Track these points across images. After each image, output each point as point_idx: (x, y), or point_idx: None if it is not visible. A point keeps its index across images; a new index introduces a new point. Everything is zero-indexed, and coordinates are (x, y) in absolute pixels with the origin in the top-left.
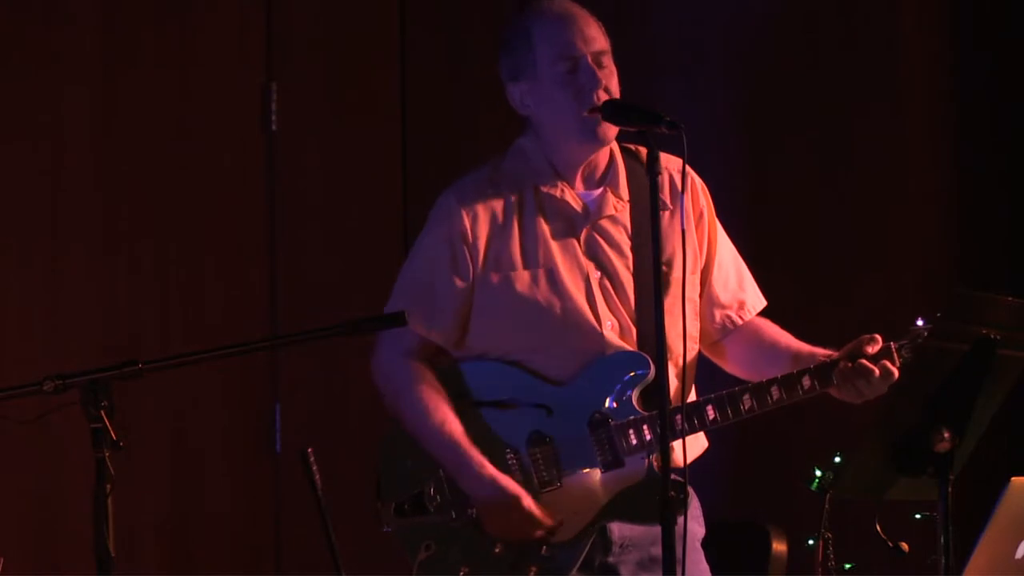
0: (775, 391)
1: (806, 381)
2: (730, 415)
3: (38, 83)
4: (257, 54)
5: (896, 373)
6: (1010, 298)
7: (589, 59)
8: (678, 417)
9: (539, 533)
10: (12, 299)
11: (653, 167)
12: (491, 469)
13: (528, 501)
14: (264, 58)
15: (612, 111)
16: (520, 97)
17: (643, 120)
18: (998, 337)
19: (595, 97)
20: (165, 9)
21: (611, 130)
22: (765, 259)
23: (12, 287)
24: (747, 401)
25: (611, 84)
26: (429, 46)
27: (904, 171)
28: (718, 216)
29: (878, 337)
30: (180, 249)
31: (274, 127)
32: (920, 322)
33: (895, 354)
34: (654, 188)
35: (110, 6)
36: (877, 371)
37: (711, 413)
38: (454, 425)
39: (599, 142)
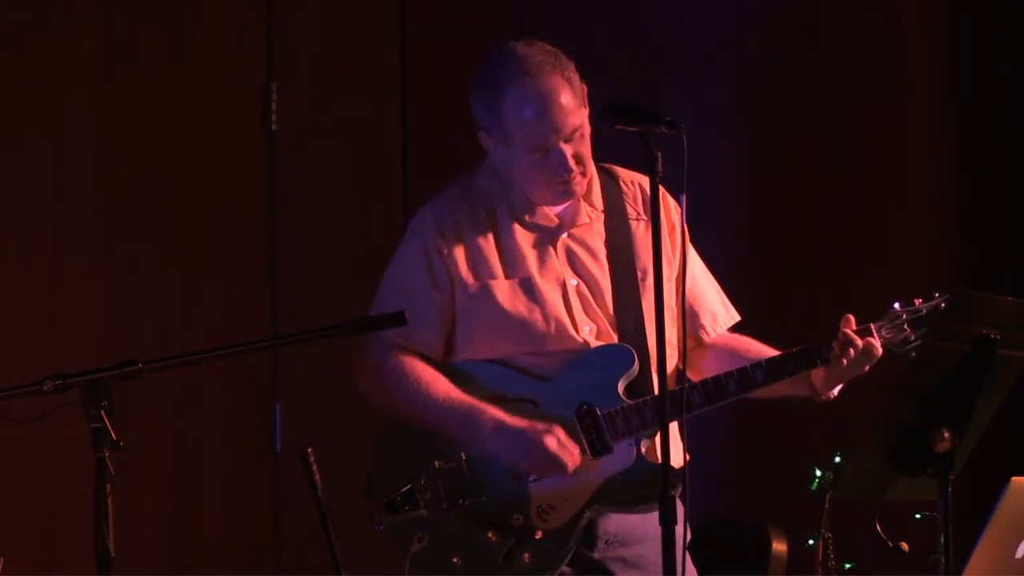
0: (759, 373)
1: (791, 362)
2: (716, 398)
3: (38, 83)
4: (257, 54)
5: (879, 350)
6: (1010, 298)
7: (561, 146)
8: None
9: (579, 456)
10: (12, 299)
11: (654, 166)
12: (512, 419)
13: (559, 431)
14: (264, 58)
15: (612, 111)
16: (492, 147)
17: (643, 120)
18: (998, 337)
19: (567, 178)
20: (165, 9)
21: (579, 187)
22: (765, 259)
23: (12, 287)
24: (732, 385)
25: (582, 151)
26: (429, 46)
27: (904, 171)
28: (719, 216)
29: (851, 317)
30: (180, 249)
31: (274, 127)
32: (896, 305)
33: (875, 332)
34: (654, 186)
35: (110, 6)
36: (861, 342)
37: (697, 398)
38: (459, 393)
39: (569, 199)
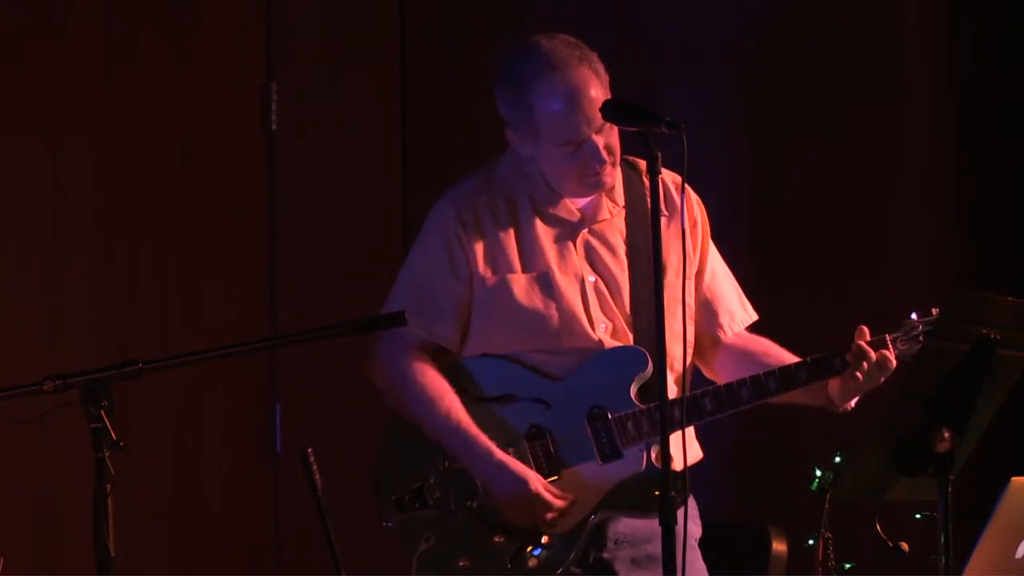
0: (772, 382)
1: (803, 372)
2: (727, 406)
3: (38, 83)
4: (257, 54)
5: (893, 362)
6: (1010, 298)
7: (593, 137)
8: (676, 410)
9: (550, 515)
10: (12, 299)
11: (654, 166)
12: (500, 455)
13: (536, 484)
14: (264, 58)
15: (612, 111)
16: (519, 143)
17: (643, 120)
18: (998, 337)
19: (599, 169)
20: (165, 9)
21: (610, 178)
22: (765, 260)
23: (12, 287)
24: (744, 392)
25: (612, 141)
26: (429, 46)
27: (904, 171)
28: (719, 216)
29: (865, 329)
30: (180, 249)
31: (274, 127)
32: (914, 315)
33: (890, 345)
34: (654, 187)
35: (110, 6)
36: (875, 355)
37: (708, 405)
38: (460, 414)
39: (600, 190)
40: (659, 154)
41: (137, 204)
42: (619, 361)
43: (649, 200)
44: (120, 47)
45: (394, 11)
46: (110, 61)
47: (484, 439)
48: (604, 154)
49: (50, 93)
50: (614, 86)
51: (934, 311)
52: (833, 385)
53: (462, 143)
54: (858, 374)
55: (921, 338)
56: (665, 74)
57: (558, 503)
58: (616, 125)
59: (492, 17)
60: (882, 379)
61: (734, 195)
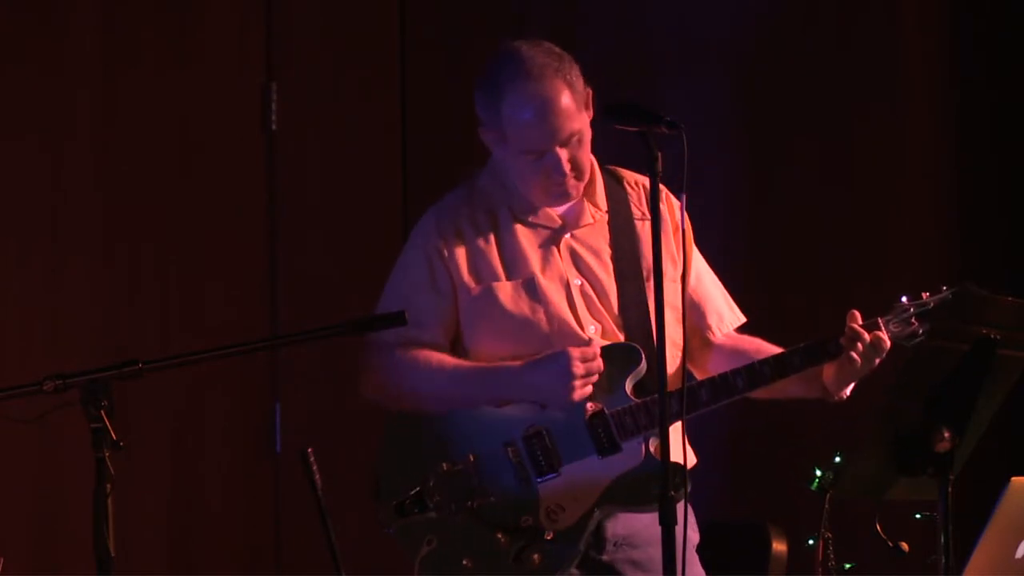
0: (767, 368)
1: (797, 358)
2: (723, 395)
3: (38, 83)
4: (257, 54)
5: (887, 342)
6: (1010, 298)
7: (557, 150)
8: (674, 402)
9: (603, 366)
10: (12, 299)
11: (653, 166)
12: (520, 363)
13: (572, 349)
14: (264, 58)
15: (612, 111)
16: (490, 144)
17: (643, 120)
18: (998, 337)
19: (561, 181)
20: (165, 9)
21: (575, 190)
22: (765, 259)
23: (12, 287)
24: (740, 381)
25: (579, 155)
26: (429, 46)
27: (904, 172)
28: (719, 216)
29: (856, 313)
30: (180, 249)
31: (274, 127)
32: (904, 299)
33: (883, 326)
34: (654, 186)
35: (110, 6)
36: (868, 336)
37: (704, 395)
38: (465, 362)
39: (564, 201)
40: (659, 154)
41: (137, 204)
42: (614, 358)
43: (645, 201)
44: (120, 47)
45: (394, 11)
46: (110, 61)
47: (499, 363)
48: (566, 167)
49: (50, 93)
50: (614, 86)
51: (924, 295)
52: (828, 372)
53: (462, 143)
54: (853, 355)
55: (913, 320)
56: (665, 74)
57: (597, 348)
58: (615, 127)
59: (492, 17)
60: (876, 361)
61: (734, 195)
